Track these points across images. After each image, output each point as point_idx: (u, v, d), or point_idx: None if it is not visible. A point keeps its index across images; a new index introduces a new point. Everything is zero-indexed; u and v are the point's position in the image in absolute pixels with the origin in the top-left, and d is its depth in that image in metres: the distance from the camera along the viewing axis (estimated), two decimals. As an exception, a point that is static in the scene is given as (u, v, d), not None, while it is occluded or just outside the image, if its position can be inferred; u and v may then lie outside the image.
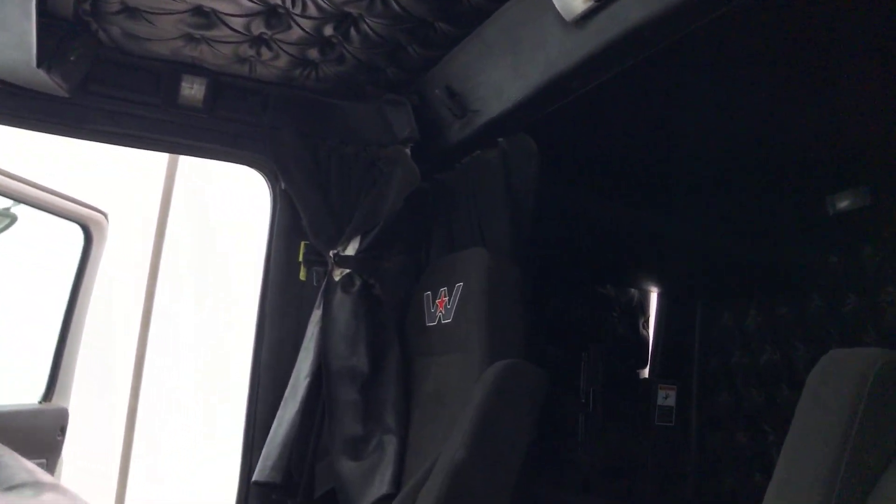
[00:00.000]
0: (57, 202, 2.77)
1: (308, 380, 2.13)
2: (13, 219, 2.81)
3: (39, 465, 2.85)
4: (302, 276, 2.39)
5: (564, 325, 3.25)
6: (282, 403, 2.18)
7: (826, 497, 0.90)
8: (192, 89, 2.19)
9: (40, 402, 2.97)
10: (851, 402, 0.93)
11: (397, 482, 1.90)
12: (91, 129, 2.20)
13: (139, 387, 3.75)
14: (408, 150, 2.25)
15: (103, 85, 2.17)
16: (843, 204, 3.01)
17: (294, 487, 2.08)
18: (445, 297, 2.11)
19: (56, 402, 3.01)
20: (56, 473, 2.93)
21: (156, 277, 3.80)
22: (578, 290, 3.31)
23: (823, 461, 0.92)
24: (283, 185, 2.33)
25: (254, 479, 2.11)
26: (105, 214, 2.92)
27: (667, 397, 3.38)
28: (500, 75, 1.90)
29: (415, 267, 2.44)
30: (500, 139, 2.11)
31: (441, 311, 2.11)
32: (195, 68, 2.21)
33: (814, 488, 0.91)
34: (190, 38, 2.04)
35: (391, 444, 2.00)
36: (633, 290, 3.50)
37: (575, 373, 3.27)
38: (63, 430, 2.98)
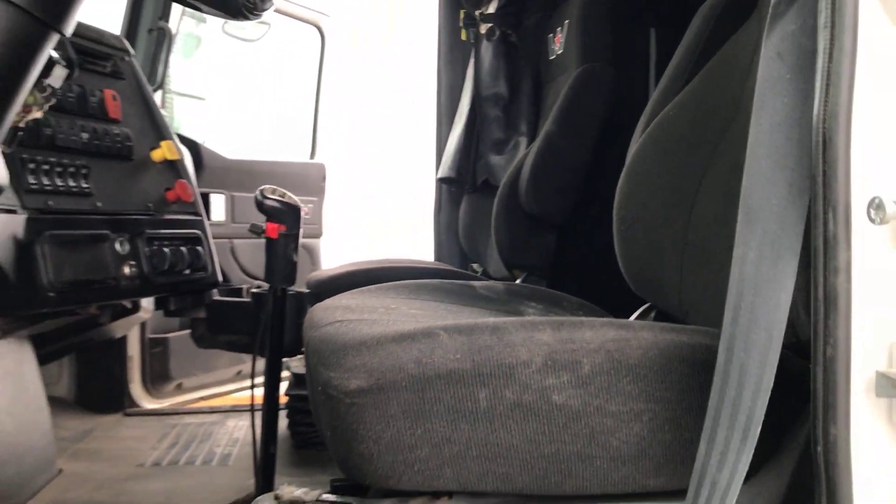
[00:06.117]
0: (295, 9, 3.82)
1: (468, 106, 3.02)
2: (269, 25, 3.91)
3: (312, 202, 4.11)
4: (463, 36, 3.24)
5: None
6: (453, 125, 3.12)
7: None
8: None
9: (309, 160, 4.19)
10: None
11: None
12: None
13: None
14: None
15: None
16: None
17: (463, 180, 3.03)
18: (561, 34, 2.83)
19: (317, 159, 4.21)
20: (321, 210, 4.15)
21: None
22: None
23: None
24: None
25: (437, 176, 3.11)
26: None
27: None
28: None
29: (549, 21, 3.16)
30: None
31: (557, 46, 2.85)
32: None
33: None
34: None
35: (523, 142, 2.85)
36: None
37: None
38: (324, 179, 4.19)
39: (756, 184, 0.79)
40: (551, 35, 2.94)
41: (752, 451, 0.74)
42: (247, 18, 1.27)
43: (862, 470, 0.72)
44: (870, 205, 0.70)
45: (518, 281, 2.57)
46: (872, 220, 0.70)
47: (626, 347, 0.89)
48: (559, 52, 2.82)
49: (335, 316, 1.05)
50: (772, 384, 0.74)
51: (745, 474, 0.74)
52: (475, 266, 3.23)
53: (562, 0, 3.03)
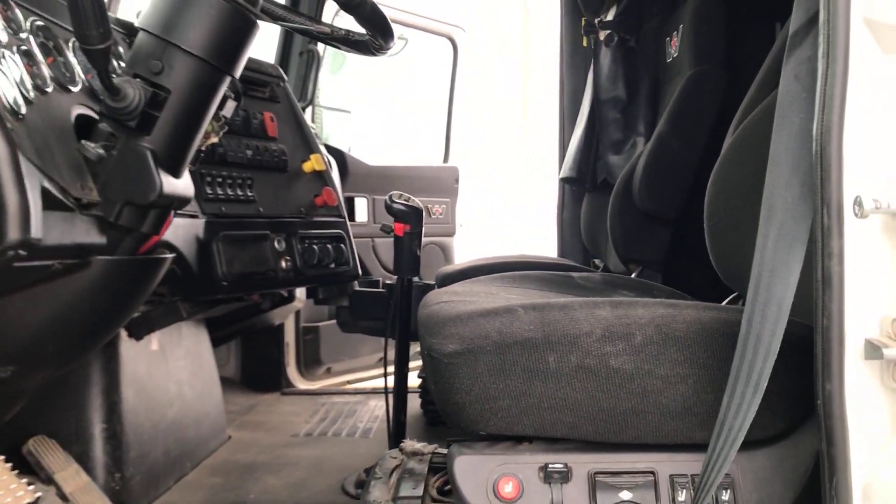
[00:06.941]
0: (431, 24, 4.12)
1: (588, 108, 3.19)
2: (406, 41, 4.23)
3: (446, 203, 4.39)
4: (584, 43, 3.41)
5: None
6: (575, 128, 3.29)
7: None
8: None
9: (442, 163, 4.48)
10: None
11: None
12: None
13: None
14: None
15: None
16: None
17: (583, 179, 3.20)
18: (676, 38, 2.95)
19: (450, 162, 4.49)
20: (454, 210, 4.42)
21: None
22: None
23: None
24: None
25: (560, 176, 3.30)
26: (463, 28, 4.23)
27: None
28: None
29: (666, 25, 3.27)
30: None
31: (673, 49, 2.97)
32: None
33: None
34: None
35: (640, 142, 2.98)
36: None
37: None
38: (457, 181, 4.47)
39: (776, 184, 0.95)
40: (668, 38, 3.05)
41: (759, 402, 0.91)
42: (374, 55, 1.54)
43: (854, 419, 0.87)
44: (854, 202, 0.85)
45: (633, 275, 2.72)
46: (856, 215, 0.85)
47: (672, 322, 1.07)
48: (675, 55, 2.93)
49: (442, 298, 1.29)
50: (778, 348, 0.91)
51: (751, 420, 0.92)
52: (597, 262, 3.39)
53: (679, 3, 3.14)
